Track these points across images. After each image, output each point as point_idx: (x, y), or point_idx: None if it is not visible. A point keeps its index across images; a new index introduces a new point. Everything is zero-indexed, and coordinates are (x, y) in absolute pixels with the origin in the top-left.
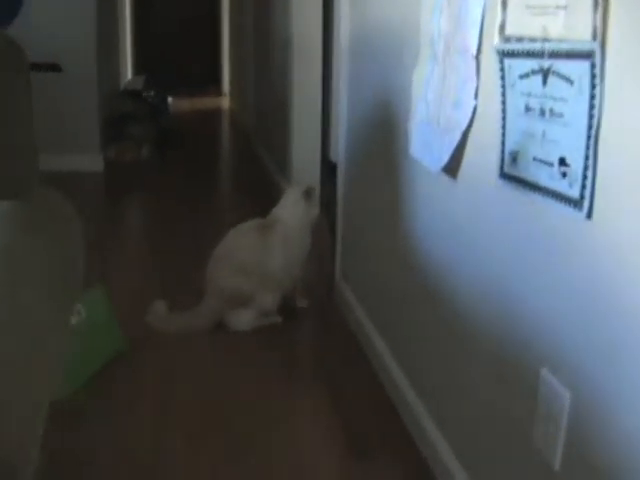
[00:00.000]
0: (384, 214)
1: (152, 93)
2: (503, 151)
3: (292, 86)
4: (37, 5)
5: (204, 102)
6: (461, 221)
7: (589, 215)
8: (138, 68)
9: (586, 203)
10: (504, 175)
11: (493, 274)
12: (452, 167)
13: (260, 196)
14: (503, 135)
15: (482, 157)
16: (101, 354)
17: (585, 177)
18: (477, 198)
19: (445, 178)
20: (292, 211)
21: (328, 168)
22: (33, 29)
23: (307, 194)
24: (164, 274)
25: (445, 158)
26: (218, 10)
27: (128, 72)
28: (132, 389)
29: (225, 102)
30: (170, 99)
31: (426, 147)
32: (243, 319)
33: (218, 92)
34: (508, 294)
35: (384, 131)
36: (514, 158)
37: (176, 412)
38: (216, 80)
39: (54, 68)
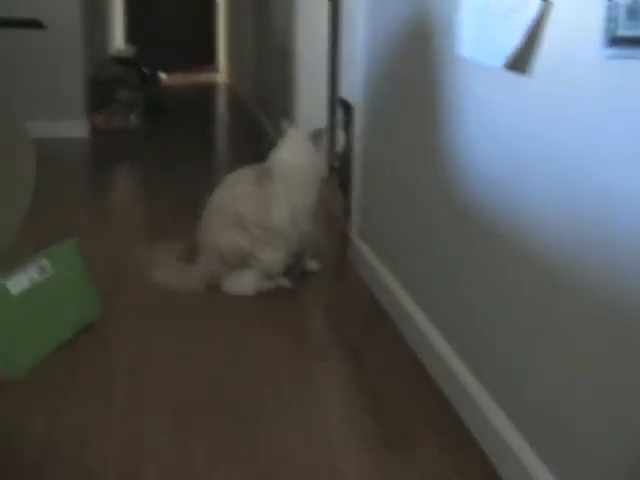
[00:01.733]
0: (417, 148)
1: (143, 61)
2: (612, 8)
3: (296, 26)
4: None
5: (199, 78)
6: (539, 128)
7: None
8: (130, 41)
9: None
10: (615, 41)
11: (603, 186)
12: (520, 58)
13: (260, 156)
14: None
15: (570, 32)
16: (71, 320)
17: None
18: (566, 87)
19: (510, 76)
20: (296, 154)
21: (344, 108)
22: None
23: (315, 137)
24: (152, 235)
25: (513, 44)
26: None
27: (118, 41)
28: (106, 363)
29: (221, 78)
30: (163, 75)
31: (483, 39)
32: (244, 281)
33: (213, 69)
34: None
35: (418, 44)
36: (632, 12)
37: (160, 390)
38: (211, 57)
39: (35, 24)
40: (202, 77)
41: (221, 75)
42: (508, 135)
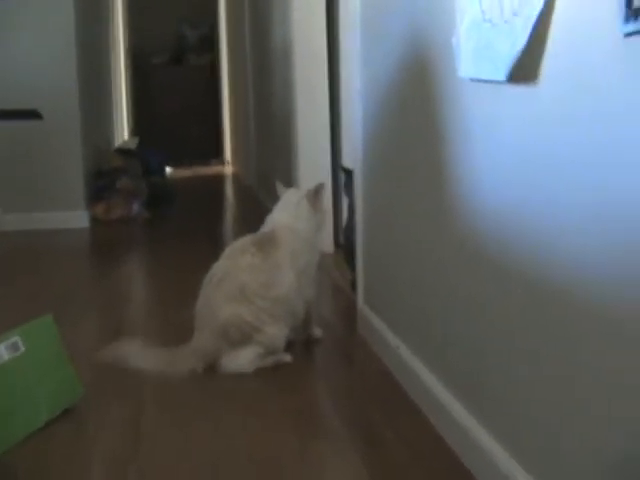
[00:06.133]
0: (423, 201)
1: (149, 153)
2: None
3: (296, 97)
4: (16, 49)
5: (205, 170)
6: (555, 145)
7: None
8: (137, 134)
9: None
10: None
11: None
12: (527, 65)
13: None
14: None
15: (582, 25)
16: (45, 403)
17: None
18: (583, 91)
19: (518, 89)
20: (296, 216)
21: (346, 176)
22: (11, 73)
23: (314, 194)
24: (145, 324)
25: (518, 47)
26: (218, 89)
27: (124, 134)
28: (84, 452)
29: (227, 169)
30: (168, 168)
31: (484, 50)
32: (243, 358)
33: (221, 162)
34: None
35: (418, 77)
36: None
37: None
38: (218, 150)
39: (34, 115)
40: (209, 169)
41: (227, 167)
42: (525, 168)
